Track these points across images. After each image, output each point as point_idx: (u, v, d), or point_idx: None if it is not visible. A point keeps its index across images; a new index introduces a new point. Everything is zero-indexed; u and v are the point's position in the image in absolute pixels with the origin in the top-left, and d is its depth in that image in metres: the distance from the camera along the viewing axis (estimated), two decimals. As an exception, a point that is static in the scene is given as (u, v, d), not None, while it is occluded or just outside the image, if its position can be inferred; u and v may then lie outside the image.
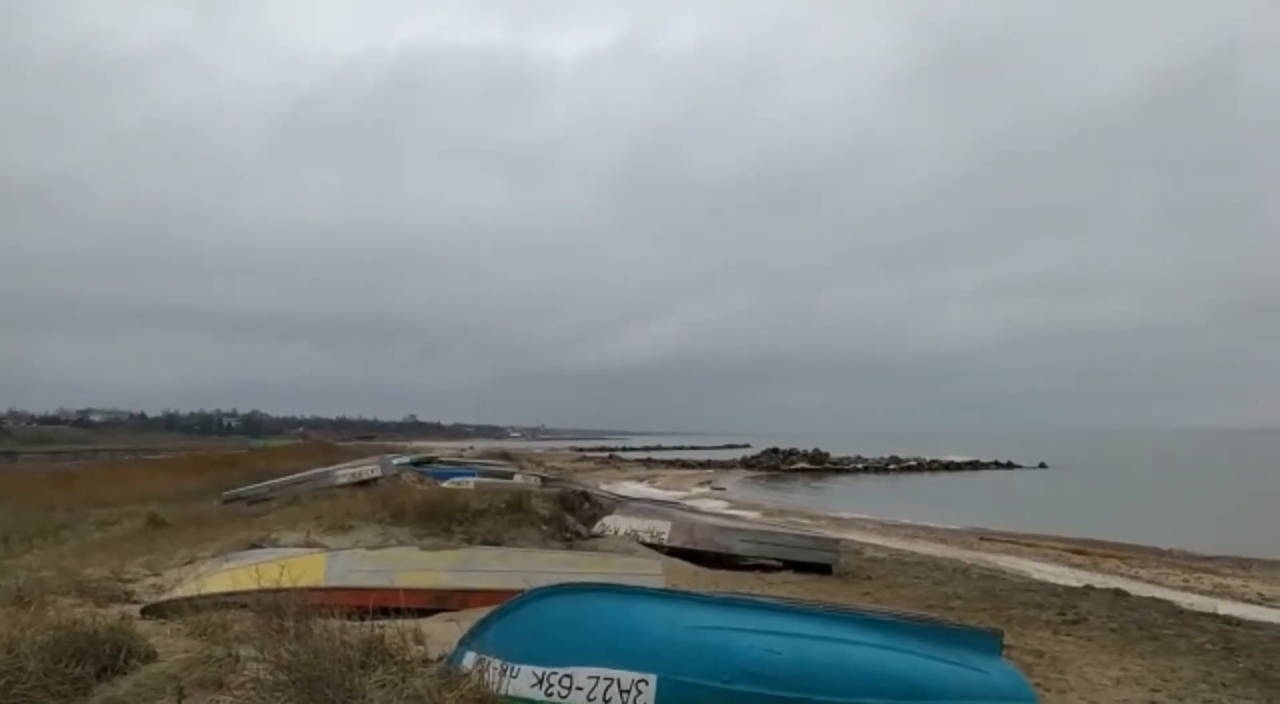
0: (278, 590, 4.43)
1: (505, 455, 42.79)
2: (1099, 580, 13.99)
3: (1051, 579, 14.04)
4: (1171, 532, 21.42)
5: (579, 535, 12.76)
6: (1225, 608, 11.48)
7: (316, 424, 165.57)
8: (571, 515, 13.97)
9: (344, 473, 18.14)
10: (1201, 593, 13.57)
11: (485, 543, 9.73)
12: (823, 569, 12.76)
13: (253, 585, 4.97)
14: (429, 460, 27.82)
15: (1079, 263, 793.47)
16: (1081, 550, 18.74)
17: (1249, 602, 12.88)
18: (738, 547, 13.15)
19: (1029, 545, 19.73)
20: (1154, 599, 11.54)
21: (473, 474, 20.75)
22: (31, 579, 6.32)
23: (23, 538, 12.60)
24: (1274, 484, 41.47)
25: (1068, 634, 8.63)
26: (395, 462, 21.66)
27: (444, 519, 10.96)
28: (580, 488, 19.21)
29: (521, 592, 4.05)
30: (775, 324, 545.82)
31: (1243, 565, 16.91)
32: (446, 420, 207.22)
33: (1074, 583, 13.39)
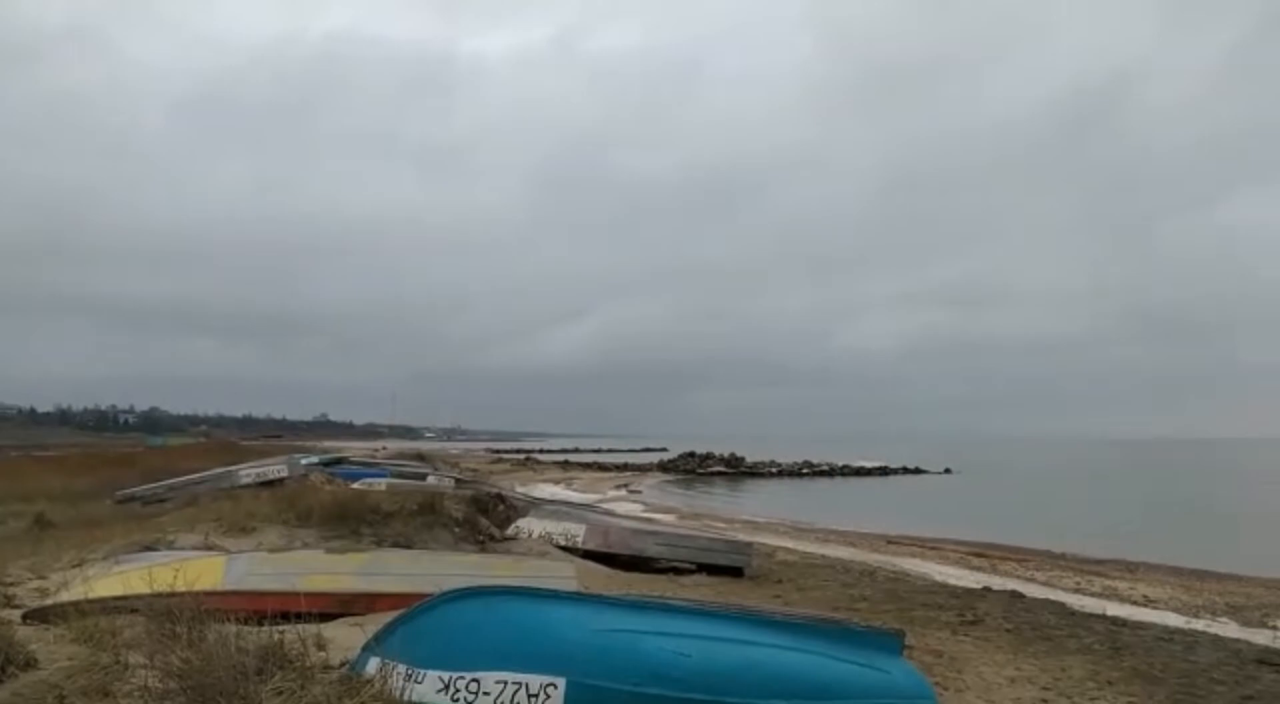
0: (171, 594, 4.23)
1: (419, 456, 42.02)
2: (997, 582, 14.47)
3: (953, 581, 14.47)
4: (1066, 536, 22.37)
5: (493, 538, 12.61)
6: (1113, 609, 12.00)
7: (220, 422, 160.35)
8: (485, 518, 13.80)
9: (248, 473, 17.58)
10: (1092, 595, 14.19)
11: (396, 545, 9.53)
12: (735, 572, 12.89)
13: (145, 589, 4.75)
14: (339, 460, 27.17)
15: (992, 275, 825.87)
16: (981, 553, 19.42)
17: (1135, 604, 13.55)
18: (652, 549, 13.19)
19: (933, 548, 20.35)
20: (1048, 601, 11.95)
21: (384, 475, 20.37)
22: (-100, 583, 5.91)
23: (-107, 539, 11.80)
24: (1165, 492, 43.81)
25: (966, 635, 8.88)
26: (303, 461, 21.11)
27: (353, 521, 10.71)
28: (495, 490, 19.02)
29: (430, 595, 3.97)
30: (695, 328, 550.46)
31: (1130, 569, 17.77)
32: (359, 420, 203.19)
33: (973, 585, 13.79)
